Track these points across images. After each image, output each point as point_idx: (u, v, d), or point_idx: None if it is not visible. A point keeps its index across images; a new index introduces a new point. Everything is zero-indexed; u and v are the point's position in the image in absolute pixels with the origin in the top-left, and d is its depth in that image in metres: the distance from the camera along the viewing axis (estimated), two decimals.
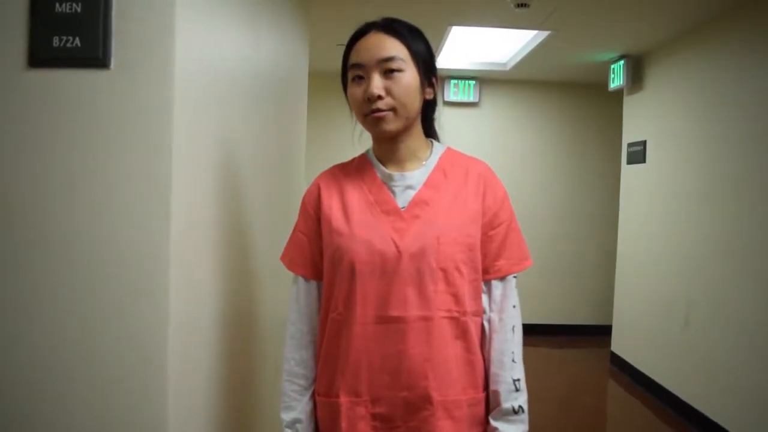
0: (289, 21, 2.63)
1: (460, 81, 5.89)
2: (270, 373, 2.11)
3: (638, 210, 4.86)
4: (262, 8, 2.05)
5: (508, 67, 5.52)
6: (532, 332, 6.65)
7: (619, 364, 5.05)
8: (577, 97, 6.04)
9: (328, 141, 5.00)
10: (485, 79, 5.99)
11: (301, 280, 1.41)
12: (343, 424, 1.30)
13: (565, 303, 6.15)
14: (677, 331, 4.14)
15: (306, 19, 3.21)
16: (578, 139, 6.10)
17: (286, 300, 1.44)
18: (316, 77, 3.83)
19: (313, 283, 1.41)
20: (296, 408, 1.37)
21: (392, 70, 1.28)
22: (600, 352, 5.48)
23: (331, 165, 1.49)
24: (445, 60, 5.27)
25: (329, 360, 1.35)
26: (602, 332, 5.62)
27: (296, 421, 1.36)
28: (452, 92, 5.89)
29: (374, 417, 1.30)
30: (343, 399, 1.31)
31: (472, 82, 5.93)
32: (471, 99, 5.94)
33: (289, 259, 1.43)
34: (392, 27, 1.32)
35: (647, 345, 4.60)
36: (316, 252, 1.39)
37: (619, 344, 5.13)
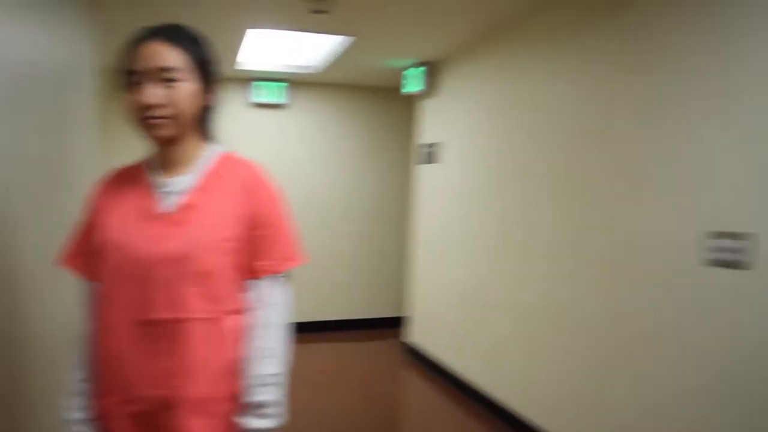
0: (64, 18, 2.53)
1: (268, 83, 5.90)
2: (39, 379, 2.04)
3: (431, 207, 5.09)
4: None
5: (317, 71, 5.64)
6: (325, 329, 6.71)
7: (413, 354, 5.37)
8: (379, 100, 6.30)
9: (131, 136, 4.80)
10: (296, 82, 6.07)
11: (81, 282, 1.43)
12: (106, 424, 1.34)
13: (359, 298, 6.38)
14: (466, 320, 4.44)
15: (91, 16, 3.10)
16: (379, 141, 6.36)
17: (54, 301, 1.42)
18: (114, 74, 3.68)
19: (90, 285, 1.42)
20: (73, 407, 1.39)
21: (170, 79, 1.29)
22: (394, 342, 5.82)
23: (128, 162, 1.49)
24: (252, 62, 5.27)
25: (93, 361, 1.37)
26: (396, 324, 6.10)
27: (75, 421, 1.39)
28: (259, 94, 5.87)
29: (132, 416, 1.33)
30: (104, 400, 1.34)
31: (284, 84, 5.98)
32: (280, 101, 5.99)
33: (65, 258, 1.44)
34: (172, 35, 1.32)
35: (438, 334, 4.92)
36: (93, 254, 1.39)
37: (412, 335, 5.44)
